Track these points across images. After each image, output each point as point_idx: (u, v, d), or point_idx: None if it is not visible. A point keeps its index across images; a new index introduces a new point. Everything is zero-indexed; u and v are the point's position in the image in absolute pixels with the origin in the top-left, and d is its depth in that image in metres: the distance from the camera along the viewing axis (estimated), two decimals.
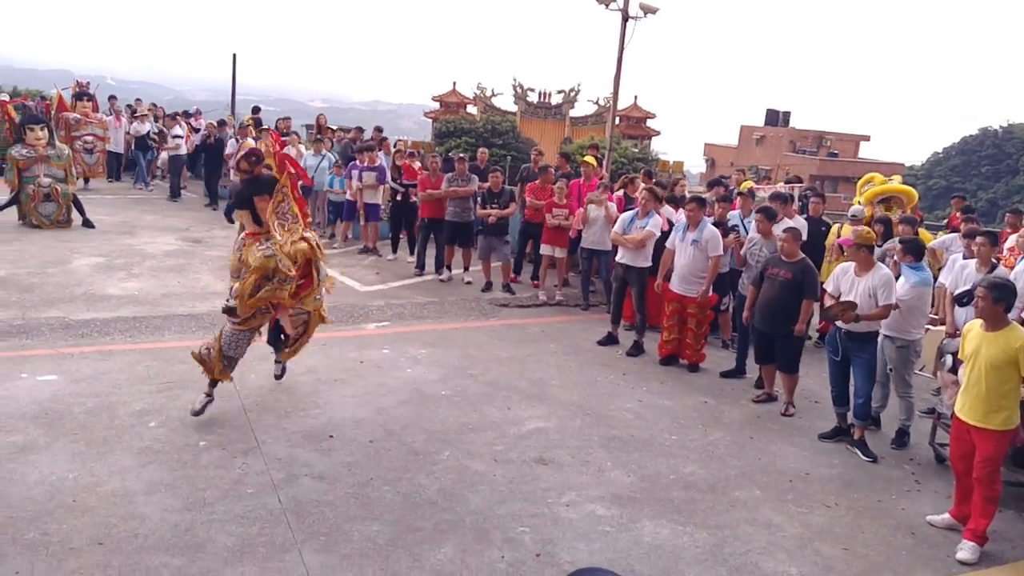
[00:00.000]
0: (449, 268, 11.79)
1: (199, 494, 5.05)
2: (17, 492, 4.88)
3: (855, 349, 6.69)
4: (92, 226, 13.35)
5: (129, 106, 20.50)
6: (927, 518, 5.56)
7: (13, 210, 13.21)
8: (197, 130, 18.35)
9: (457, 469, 5.64)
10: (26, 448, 5.45)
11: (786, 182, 13.94)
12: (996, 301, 5.13)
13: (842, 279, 6.80)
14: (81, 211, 13.48)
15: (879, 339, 6.83)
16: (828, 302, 6.80)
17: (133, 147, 19.00)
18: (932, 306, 7.97)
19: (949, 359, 6.68)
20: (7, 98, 16.75)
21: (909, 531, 5.39)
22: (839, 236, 9.00)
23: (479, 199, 11.44)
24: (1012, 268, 7.37)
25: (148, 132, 18.51)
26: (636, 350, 8.80)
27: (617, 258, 9.02)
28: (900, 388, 6.96)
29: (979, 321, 5.30)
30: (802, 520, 5.42)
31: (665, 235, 8.78)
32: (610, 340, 9.08)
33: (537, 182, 11.37)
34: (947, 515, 5.51)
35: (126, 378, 6.88)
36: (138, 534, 4.55)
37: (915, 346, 6.92)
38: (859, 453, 6.56)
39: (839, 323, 6.66)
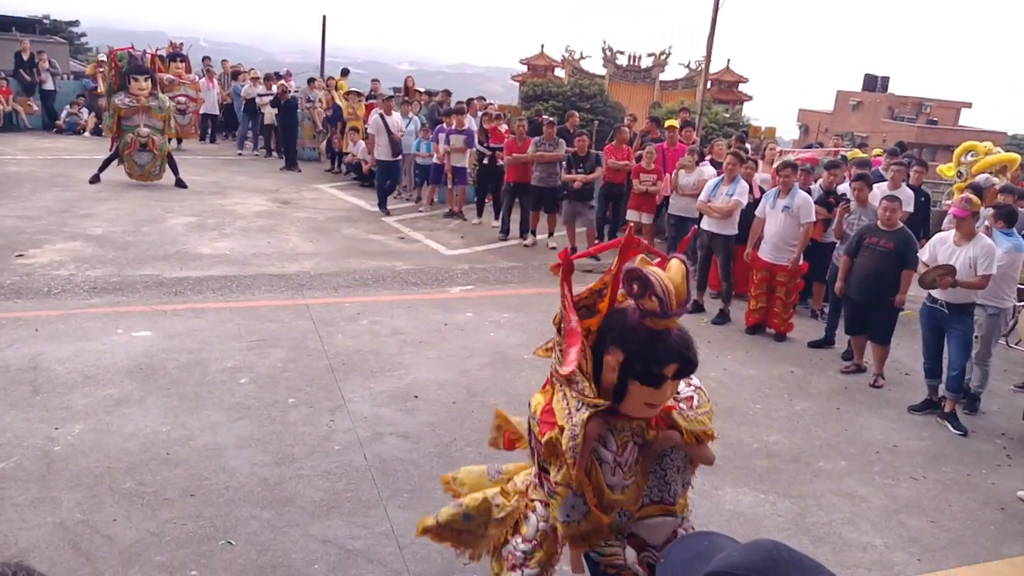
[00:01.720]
0: (534, 233, 11.80)
1: (288, 450, 5.25)
2: (113, 443, 5.15)
3: (952, 320, 6.46)
4: (185, 186, 13.72)
5: (233, 68, 20.85)
6: (1018, 493, 5.39)
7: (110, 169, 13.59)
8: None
9: None
10: (121, 401, 5.74)
11: (888, 152, 13.36)
12: None
13: (940, 248, 6.54)
14: (175, 170, 13.79)
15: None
16: (924, 268, 6.55)
17: (242, 109, 18.87)
18: None
19: None
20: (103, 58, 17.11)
21: (999, 506, 5.22)
22: None
23: (565, 163, 11.38)
24: None
25: (258, 94, 18.22)
26: (722, 318, 8.67)
27: (702, 225, 8.86)
28: (982, 355, 6.73)
29: None
30: (888, 492, 5.30)
31: (754, 202, 8.57)
32: (696, 308, 8.93)
33: (613, 143, 11.21)
34: None
35: (217, 335, 7.15)
36: (228, 487, 4.77)
37: (1005, 315, 6.66)
38: (949, 426, 6.35)
39: (936, 291, 6.42)
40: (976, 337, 6.65)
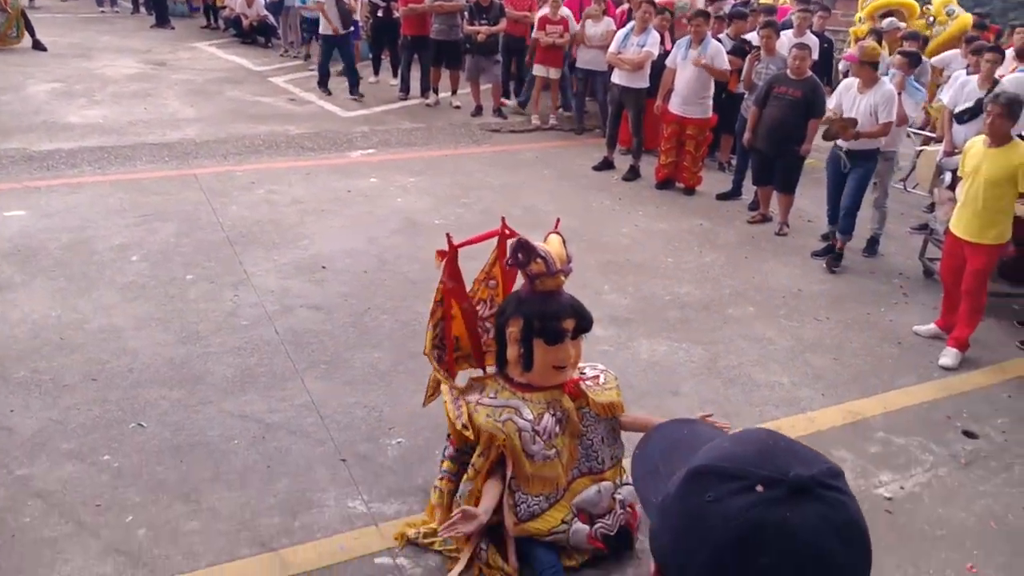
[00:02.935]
0: (436, 91, 11.27)
1: (192, 328, 5.01)
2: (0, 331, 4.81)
3: (855, 165, 6.56)
4: (44, 48, 12.62)
5: None
6: (913, 328, 5.67)
7: None
8: None
9: None
10: (2, 287, 5.33)
11: None
12: (1008, 117, 5.01)
13: (844, 95, 6.55)
14: (31, 31, 12.67)
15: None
16: (828, 117, 6.58)
17: None
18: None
19: (948, 176, 6.59)
20: None
21: (896, 341, 5.50)
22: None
23: (467, 14, 10.74)
24: None
25: None
26: (632, 174, 8.61)
27: (612, 79, 8.62)
28: (881, 198, 6.96)
29: (981, 138, 5.22)
30: (793, 334, 5.49)
31: (664, 54, 8.36)
32: (606, 165, 8.85)
33: None
34: (933, 325, 5.61)
35: (99, 211, 6.67)
36: (132, 369, 4.53)
37: (898, 156, 6.86)
38: (824, 264, 6.63)
39: (839, 141, 6.49)
40: (874, 182, 6.82)
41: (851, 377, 5.01)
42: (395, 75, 12.09)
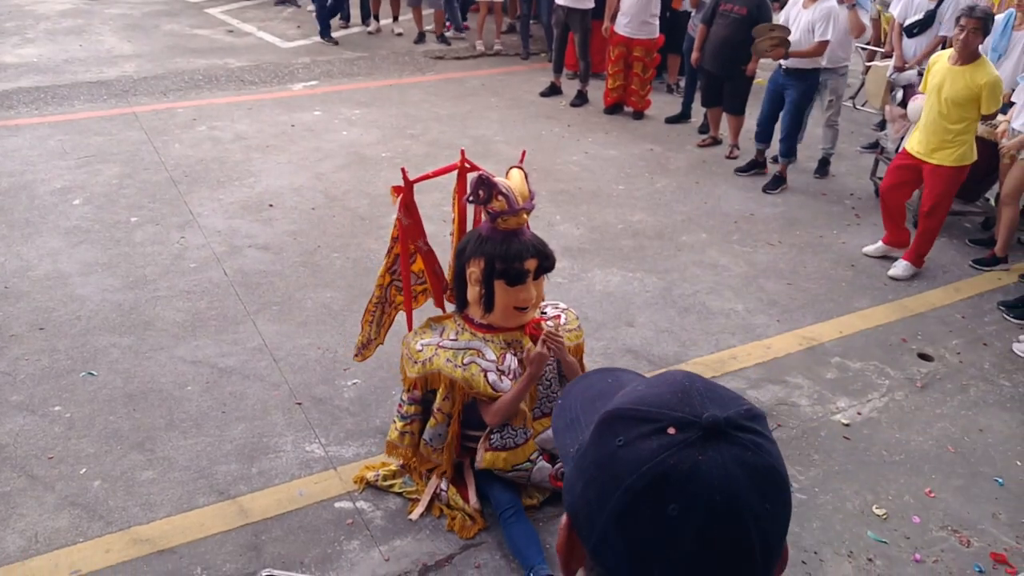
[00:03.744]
0: (377, 18, 10.89)
1: (139, 272, 4.88)
2: None
3: (789, 84, 6.52)
4: None
5: None
6: (863, 249, 5.72)
7: None
8: None
9: None
10: None
11: None
12: (983, 32, 4.91)
13: (791, 10, 6.46)
14: None
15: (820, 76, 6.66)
16: (759, 33, 6.45)
17: None
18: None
19: (900, 92, 6.58)
20: None
21: (849, 264, 5.56)
22: None
23: None
24: None
25: None
26: (580, 99, 8.48)
27: (557, 0, 8.40)
28: (834, 116, 6.88)
29: (946, 54, 5.10)
30: (747, 259, 5.53)
31: None
32: (553, 90, 8.70)
33: None
34: (880, 243, 5.66)
35: (39, 154, 6.42)
36: (80, 316, 4.42)
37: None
38: (770, 192, 6.64)
39: (775, 59, 6.42)
40: (830, 100, 6.79)
41: (806, 302, 5.07)
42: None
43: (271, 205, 5.81)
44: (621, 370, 1.00)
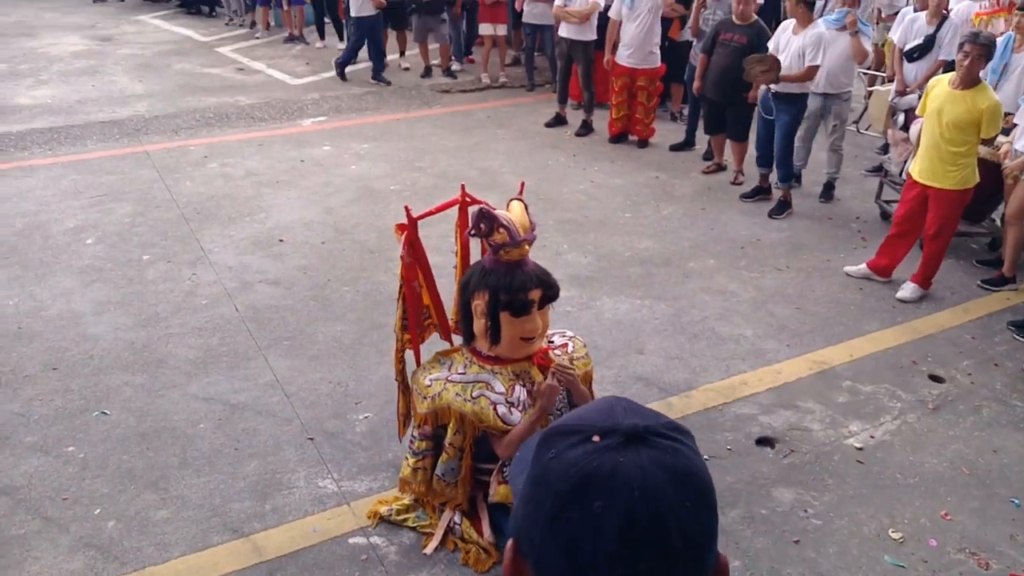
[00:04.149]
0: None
1: (151, 309, 4.93)
2: None
3: (779, 109, 6.58)
4: None
5: None
6: (844, 268, 5.72)
7: None
8: None
9: None
10: None
11: None
12: (986, 58, 4.96)
13: (781, 37, 6.53)
14: None
15: (818, 99, 6.72)
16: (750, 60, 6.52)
17: None
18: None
19: (901, 117, 6.62)
20: None
21: (857, 287, 5.55)
22: None
23: None
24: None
25: None
26: (585, 129, 8.55)
27: (560, 32, 8.51)
28: (838, 141, 6.92)
29: (946, 78, 5.13)
30: (755, 284, 5.54)
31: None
32: (558, 121, 8.78)
33: None
34: (864, 266, 5.65)
35: (53, 194, 6.53)
36: (93, 355, 4.46)
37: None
38: (775, 217, 6.65)
39: (765, 84, 6.48)
40: (834, 126, 6.83)
41: (815, 326, 5.06)
42: (340, 39, 11.86)
43: (281, 240, 5.87)
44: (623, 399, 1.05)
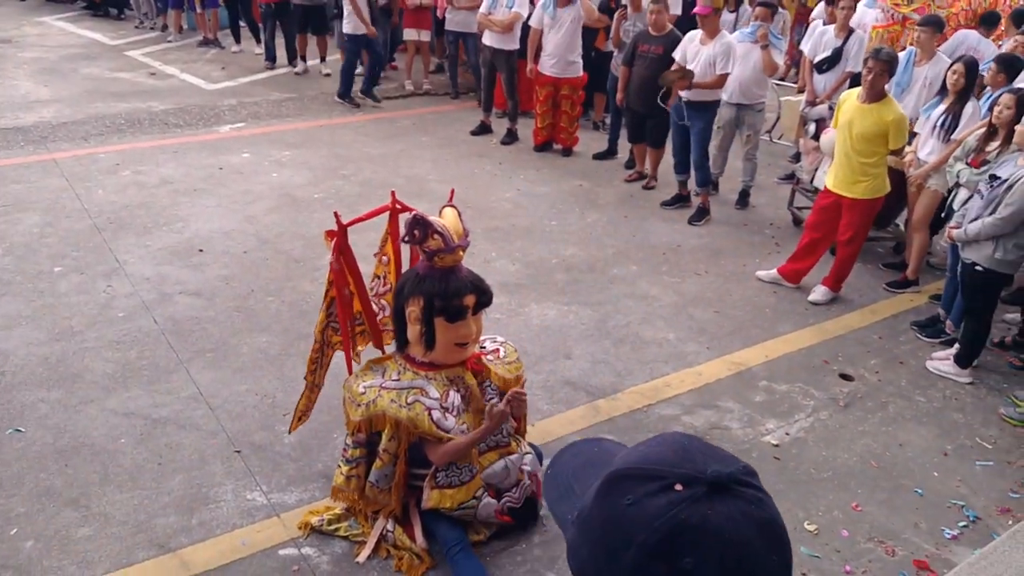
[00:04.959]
0: (304, 59, 10.95)
1: (64, 323, 4.76)
2: None
3: (693, 117, 6.78)
4: None
5: None
6: (756, 273, 5.94)
7: None
8: None
9: None
10: None
11: None
12: (888, 74, 5.20)
13: (688, 47, 6.71)
14: None
15: (733, 109, 6.97)
16: (672, 68, 6.72)
17: None
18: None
19: (812, 126, 6.89)
20: None
21: (772, 291, 5.77)
22: None
23: None
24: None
25: None
26: (510, 137, 8.63)
27: (484, 40, 8.57)
28: (752, 150, 7.18)
29: (855, 92, 5.35)
30: (676, 289, 5.69)
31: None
32: (483, 129, 8.84)
33: None
34: (775, 271, 5.87)
35: None
36: (4, 372, 4.28)
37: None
38: (695, 223, 6.84)
39: (681, 92, 6.68)
40: (747, 134, 7.07)
41: (733, 328, 5.24)
42: (257, 43, 11.66)
43: (201, 250, 5.74)
44: (604, 439, 1.04)
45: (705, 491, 0.78)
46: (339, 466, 3.29)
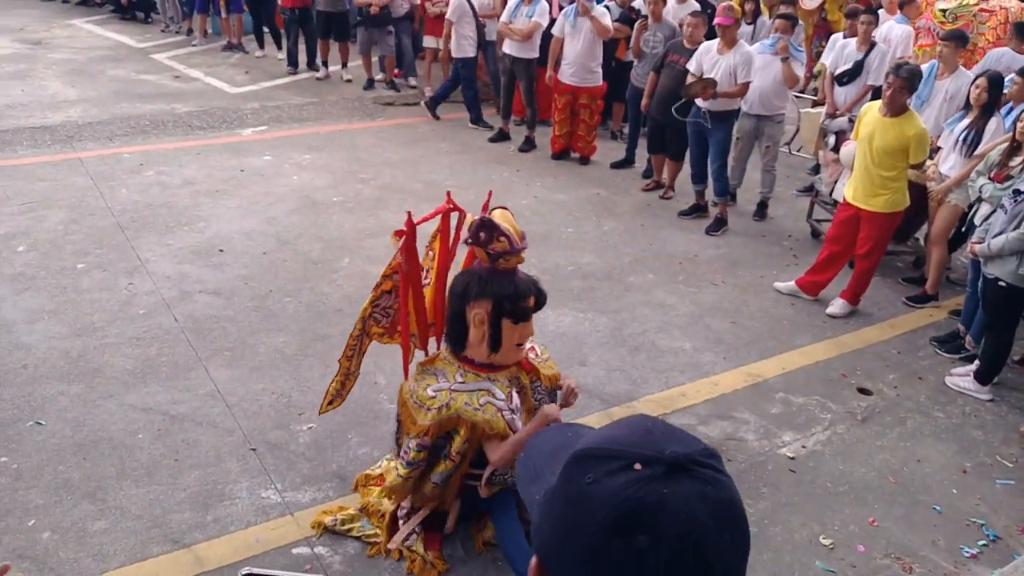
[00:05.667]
0: (325, 64, 11.02)
1: (86, 319, 4.82)
2: None
3: (713, 126, 6.77)
4: None
5: None
6: (774, 284, 5.92)
7: None
8: None
9: (359, 275, 5.53)
10: None
11: None
12: (908, 90, 5.17)
13: (705, 58, 6.71)
14: None
15: (752, 120, 6.97)
16: (690, 80, 6.73)
17: None
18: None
19: (832, 138, 6.87)
20: None
21: (789, 303, 5.75)
22: None
23: None
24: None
25: None
26: (528, 145, 8.66)
27: (503, 49, 8.61)
28: (771, 162, 7.17)
29: (876, 104, 5.33)
30: (692, 299, 5.68)
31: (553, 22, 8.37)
32: (501, 136, 8.87)
33: None
34: (793, 283, 5.84)
35: None
36: (26, 365, 4.34)
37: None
38: (712, 233, 6.82)
39: (699, 101, 6.68)
40: (767, 147, 7.06)
41: (750, 340, 5.22)
42: (279, 48, 11.76)
43: (221, 250, 5.80)
44: (579, 425, 1.05)
45: (663, 471, 0.79)
46: (396, 468, 3.18)
